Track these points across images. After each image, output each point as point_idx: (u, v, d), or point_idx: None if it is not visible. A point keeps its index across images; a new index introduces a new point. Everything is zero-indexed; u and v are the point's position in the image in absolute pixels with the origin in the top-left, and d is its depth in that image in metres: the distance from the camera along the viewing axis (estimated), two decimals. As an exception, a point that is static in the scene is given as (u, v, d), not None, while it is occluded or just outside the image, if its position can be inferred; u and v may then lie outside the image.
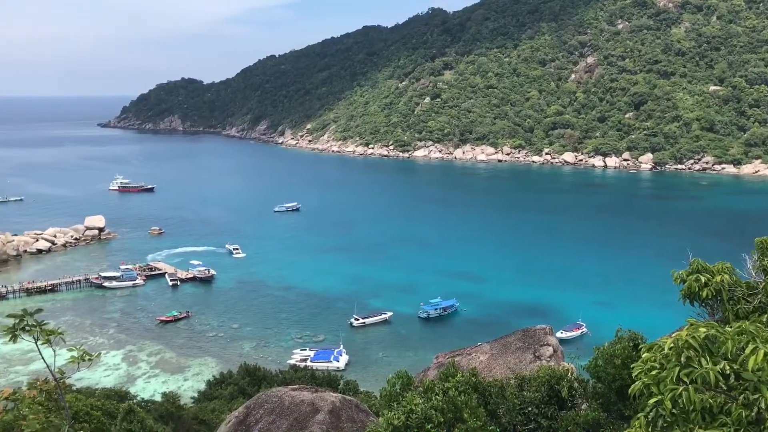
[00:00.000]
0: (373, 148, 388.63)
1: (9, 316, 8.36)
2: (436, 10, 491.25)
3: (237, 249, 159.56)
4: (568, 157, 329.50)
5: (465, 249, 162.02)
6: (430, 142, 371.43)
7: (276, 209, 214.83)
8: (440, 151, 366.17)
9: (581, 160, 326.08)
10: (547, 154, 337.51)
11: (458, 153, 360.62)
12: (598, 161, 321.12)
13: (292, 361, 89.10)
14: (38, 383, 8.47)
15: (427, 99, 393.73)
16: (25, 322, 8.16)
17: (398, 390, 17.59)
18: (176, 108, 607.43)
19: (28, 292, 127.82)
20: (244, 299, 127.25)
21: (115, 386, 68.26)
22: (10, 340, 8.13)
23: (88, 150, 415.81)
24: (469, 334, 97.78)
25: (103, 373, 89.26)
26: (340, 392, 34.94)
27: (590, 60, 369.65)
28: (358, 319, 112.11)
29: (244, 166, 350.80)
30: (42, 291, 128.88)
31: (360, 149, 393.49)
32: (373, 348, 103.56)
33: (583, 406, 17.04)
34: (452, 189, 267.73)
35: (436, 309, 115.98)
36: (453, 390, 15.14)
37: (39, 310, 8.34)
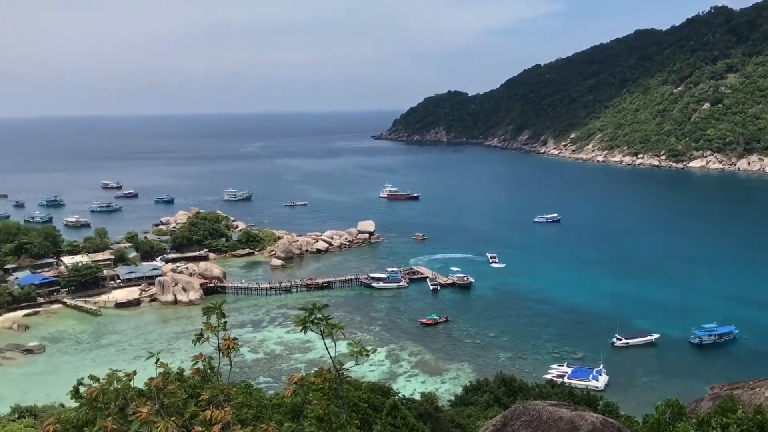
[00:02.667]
0: (642, 157, 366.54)
1: (301, 309, 9.34)
2: (719, 8, 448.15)
3: (494, 258, 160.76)
4: None
5: (748, 272, 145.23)
6: (709, 152, 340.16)
7: (535, 220, 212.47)
8: (720, 162, 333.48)
9: None
10: None
11: (742, 164, 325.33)
12: None
13: (548, 376, 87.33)
14: (323, 373, 9.32)
15: (706, 105, 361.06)
16: (314, 316, 9.07)
17: (667, 419, 16.29)
18: (442, 120, 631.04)
19: (308, 287, 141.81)
20: (501, 308, 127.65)
21: (379, 381, 72.65)
22: (301, 331, 9.09)
23: (362, 160, 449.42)
24: (751, 366, 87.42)
25: (369, 368, 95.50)
26: (599, 413, 33.41)
27: None
28: (620, 339, 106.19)
29: (504, 176, 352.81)
30: (319, 287, 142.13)
31: (627, 159, 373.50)
32: (636, 371, 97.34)
33: None
34: (734, 205, 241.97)
35: (710, 335, 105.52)
36: (734, 427, 13.62)
37: (325, 306, 9.20)
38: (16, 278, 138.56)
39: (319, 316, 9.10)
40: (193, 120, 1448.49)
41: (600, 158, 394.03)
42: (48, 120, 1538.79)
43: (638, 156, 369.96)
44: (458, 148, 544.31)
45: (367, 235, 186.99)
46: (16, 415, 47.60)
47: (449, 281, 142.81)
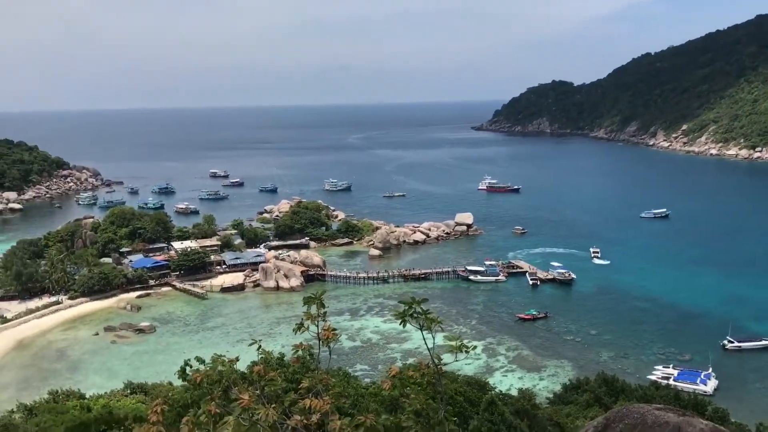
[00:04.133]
0: (760, 151, 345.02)
1: (400, 302, 9.25)
2: None
3: (597, 253, 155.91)
4: None
5: None
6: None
7: (642, 215, 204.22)
8: None
9: None
10: None
11: None
12: None
13: (652, 377, 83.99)
14: (421, 367, 9.21)
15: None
16: (413, 310, 8.95)
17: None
18: (545, 110, 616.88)
19: (405, 278, 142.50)
20: (603, 306, 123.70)
21: (475, 375, 72.03)
22: (400, 324, 9.00)
23: (461, 151, 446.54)
24: None
25: (465, 361, 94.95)
26: (708, 419, 31.74)
27: None
28: (732, 342, 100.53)
29: (609, 169, 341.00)
30: (416, 278, 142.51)
31: (744, 152, 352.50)
32: (750, 376, 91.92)
33: None
34: None
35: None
36: None
37: (425, 300, 9.06)
38: (130, 261, 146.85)
39: (419, 310, 8.98)
40: (301, 111, 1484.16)
41: (713, 151, 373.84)
42: (171, 111, 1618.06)
43: (756, 149, 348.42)
44: (562, 140, 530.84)
45: (465, 228, 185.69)
46: (129, 391, 50.38)
47: (549, 276, 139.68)
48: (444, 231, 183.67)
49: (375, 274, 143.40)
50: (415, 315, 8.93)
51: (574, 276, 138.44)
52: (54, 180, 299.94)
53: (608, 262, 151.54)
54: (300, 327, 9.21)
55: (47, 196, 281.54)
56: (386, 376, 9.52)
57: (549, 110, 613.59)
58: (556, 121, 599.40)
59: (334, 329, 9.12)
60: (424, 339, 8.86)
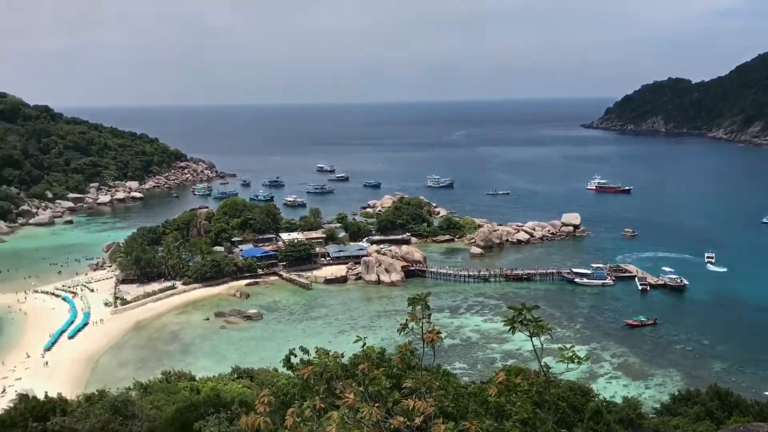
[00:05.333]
0: None
1: (510, 307, 9.02)
2: None
3: (712, 259, 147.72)
4: None
5: None
6: None
7: (765, 220, 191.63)
8: None
9: None
10: None
11: None
12: None
13: (772, 394, 78.72)
14: (530, 375, 8.95)
15: None
16: (523, 316, 8.70)
17: None
18: (660, 109, 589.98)
19: (507, 278, 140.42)
20: (718, 315, 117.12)
21: (578, 380, 69.99)
22: (509, 330, 8.77)
23: (570, 150, 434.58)
24: None
25: (566, 365, 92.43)
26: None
27: None
28: None
29: (729, 171, 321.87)
30: (519, 278, 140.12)
31: None
32: None
33: None
34: None
35: None
36: None
37: (536, 307, 8.79)
38: (241, 250, 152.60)
39: (529, 317, 8.71)
40: (405, 108, 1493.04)
41: None
42: (284, 107, 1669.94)
43: None
44: (677, 140, 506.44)
45: (571, 228, 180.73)
46: (236, 375, 52.32)
47: (660, 282, 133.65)
48: (549, 231, 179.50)
49: (476, 273, 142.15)
50: (525, 322, 8.68)
51: (686, 282, 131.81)
52: (172, 171, 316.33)
53: (725, 269, 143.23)
54: (404, 327, 9.16)
55: (166, 186, 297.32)
56: (492, 381, 9.32)
57: (664, 108, 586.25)
58: (672, 120, 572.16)
59: (439, 332, 9.01)
60: (533, 347, 8.59)
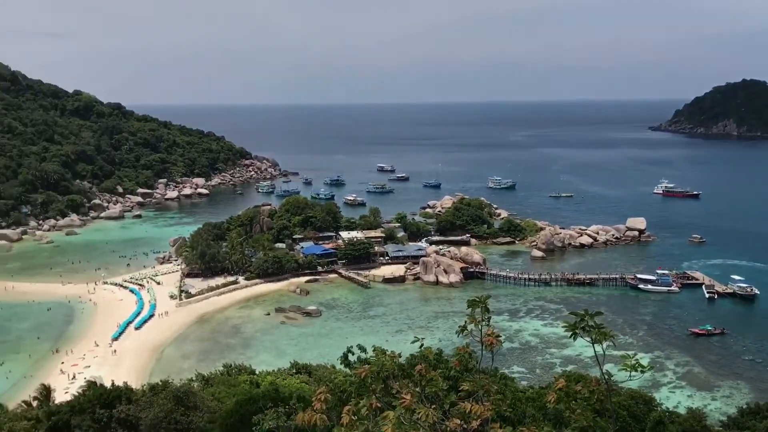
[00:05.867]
0: None
1: (572, 313, 8.86)
2: None
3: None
4: None
5: None
6: None
7: None
8: None
9: None
10: None
11: None
12: None
13: None
14: (591, 383, 8.77)
15: None
16: (586, 322, 8.54)
17: None
18: (732, 111, 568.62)
19: (569, 282, 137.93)
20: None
21: (640, 388, 68.22)
22: (570, 336, 8.62)
23: (636, 152, 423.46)
24: None
25: (630, 373, 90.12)
26: None
27: None
28: None
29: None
30: (581, 283, 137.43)
31: None
32: None
33: None
34: None
35: None
36: None
37: (599, 313, 8.61)
38: (302, 247, 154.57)
39: (591, 323, 8.53)
40: (465, 108, 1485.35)
41: None
42: (346, 107, 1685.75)
43: None
44: (751, 144, 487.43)
45: (636, 233, 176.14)
46: (294, 371, 53.08)
47: (728, 290, 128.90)
48: (613, 235, 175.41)
49: (536, 276, 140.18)
50: (587, 328, 8.50)
51: (757, 292, 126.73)
52: (237, 168, 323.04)
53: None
54: (463, 329, 9.12)
55: (231, 183, 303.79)
56: (551, 387, 9.17)
57: (737, 111, 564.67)
58: (745, 123, 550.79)
59: (498, 335, 8.92)
60: (595, 353, 8.41)
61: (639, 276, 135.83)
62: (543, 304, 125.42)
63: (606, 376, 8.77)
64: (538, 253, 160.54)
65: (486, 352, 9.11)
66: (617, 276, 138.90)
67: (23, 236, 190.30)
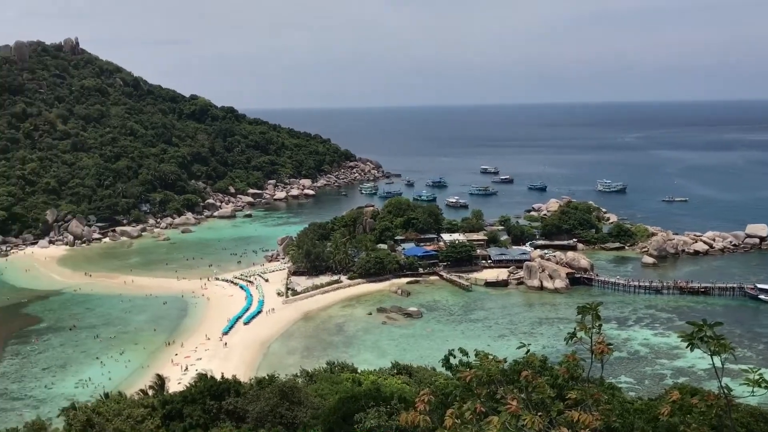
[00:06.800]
0: None
1: (689, 323, 8.46)
2: None
3: None
4: None
5: None
6: None
7: None
8: None
9: None
10: None
11: None
12: None
13: None
14: (709, 397, 8.34)
15: None
16: (704, 333, 8.12)
17: None
18: None
19: (681, 290, 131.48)
20: None
21: (761, 406, 64.01)
22: (687, 347, 8.23)
23: (759, 155, 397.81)
24: None
25: (749, 388, 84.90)
26: None
27: None
28: None
29: None
30: (694, 292, 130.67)
31: None
32: None
33: None
34: None
35: None
36: None
37: (718, 324, 8.17)
38: (403, 249, 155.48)
39: (710, 334, 8.10)
40: (573, 109, 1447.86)
41: None
42: (454, 108, 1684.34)
43: None
44: None
45: (757, 240, 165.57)
46: (395, 371, 53.40)
47: None
48: (731, 242, 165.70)
49: (647, 283, 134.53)
50: (705, 339, 8.08)
51: None
52: (342, 170, 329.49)
53: None
54: (572, 336, 8.88)
55: (335, 184, 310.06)
56: (664, 399, 8.78)
57: None
58: None
59: (610, 343, 8.63)
60: (713, 366, 7.98)
61: (759, 286, 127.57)
62: (653, 313, 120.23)
63: (725, 390, 8.29)
64: (649, 260, 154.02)
65: (596, 360, 8.83)
66: (735, 285, 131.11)
67: (142, 233, 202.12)
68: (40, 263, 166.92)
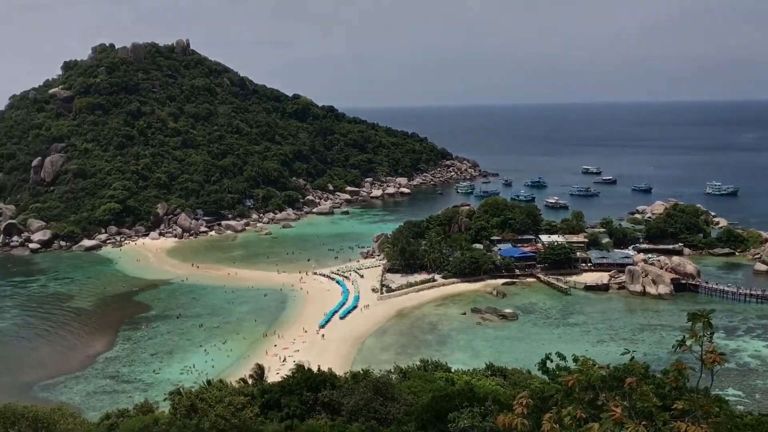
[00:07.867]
0: None
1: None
2: None
3: None
4: None
5: None
6: None
7: None
8: None
9: None
10: None
11: None
12: None
13: None
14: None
15: None
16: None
17: None
18: None
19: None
20: None
21: None
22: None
23: None
24: None
25: None
26: None
27: None
28: None
29: None
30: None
31: None
32: None
33: None
34: None
35: None
36: None
37: None
38: (499, 249, 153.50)
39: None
40: (679, 107, 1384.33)
41: None
42: (559, 107, 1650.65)
43: None
44: None
45: None
46: (489, 372, 52.88)
47: None
48: None
49: (760, 292, 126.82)
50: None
51: None
52: (438, 169, 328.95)
53: None
54: (681, 344, 8.52)
55: (431, 183, 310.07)
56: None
57: None
58: None
59: (722, 353, 8.21)
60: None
61: None
62: (766, 323, 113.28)
63: None
64: (763, 267, 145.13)
65: (705, 370, 8.43)
66: None
67: (246, 227, 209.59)
68: (151, 254, 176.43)
